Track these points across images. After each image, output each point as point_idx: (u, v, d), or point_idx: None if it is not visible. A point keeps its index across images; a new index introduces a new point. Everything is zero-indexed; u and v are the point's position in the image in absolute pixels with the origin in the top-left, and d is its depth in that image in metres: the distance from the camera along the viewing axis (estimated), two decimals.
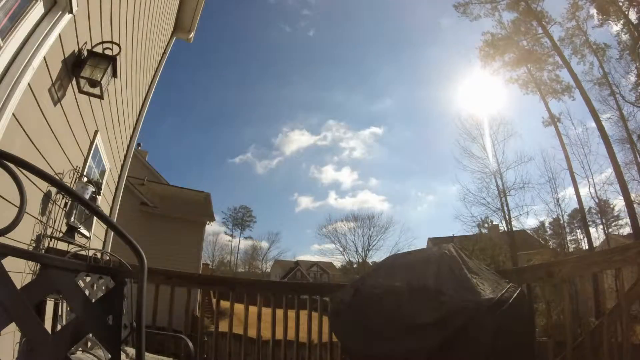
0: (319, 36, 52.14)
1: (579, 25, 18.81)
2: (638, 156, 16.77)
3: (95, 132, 3.20)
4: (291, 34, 51.90)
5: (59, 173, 2.50)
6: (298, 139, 56.93)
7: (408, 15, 42.24)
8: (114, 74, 2.63)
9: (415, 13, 40.53)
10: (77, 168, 2.85)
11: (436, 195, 49.97)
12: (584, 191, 18.26)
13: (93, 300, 1.25)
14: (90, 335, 1.75)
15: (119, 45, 2.69)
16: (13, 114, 1.69)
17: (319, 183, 57.86)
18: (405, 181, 55.16)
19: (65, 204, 2.74)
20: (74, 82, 2.43)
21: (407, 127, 53.44)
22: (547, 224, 21.77)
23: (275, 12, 51.19)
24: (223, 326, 3.48)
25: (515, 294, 2.21)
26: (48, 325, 2.30)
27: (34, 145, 1.98)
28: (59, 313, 2.38)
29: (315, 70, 55.31)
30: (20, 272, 1.98)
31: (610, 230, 20.20)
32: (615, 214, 20.06)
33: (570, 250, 20.31)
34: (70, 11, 1.99)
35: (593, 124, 17.35)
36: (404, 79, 50.99)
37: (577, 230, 22.31)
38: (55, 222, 2.61)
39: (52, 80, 2.10)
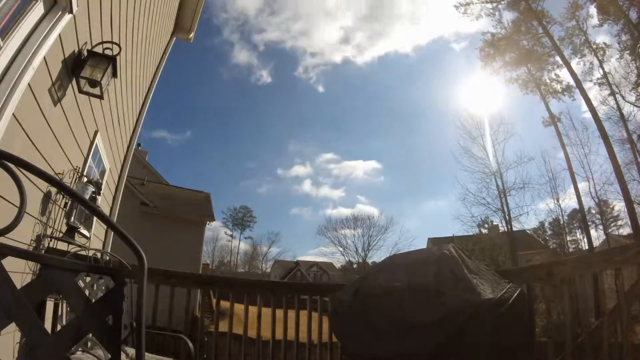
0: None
1: (579, 25, 18.80)
2: (638, 156, 16.75)
3: (95, 132, 3.20)
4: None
5: (59, 173, 2.50)
6: (297, 169, 58.68)
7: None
8: (114, 74, 2.63)
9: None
10: (77, 168, 2.85)
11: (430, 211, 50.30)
12: (584, 191, 18.27)
13: (93, 300, 1.25)
14: (90, 335, 1.75)
15: (119, 45, 2.69)
16: (13, 114, 1.69)
17: (317, 198, 58.47)
18: (402, 199, 55.38)
19: (65, 204, 2.74)
20: (74, 82, 2.43)
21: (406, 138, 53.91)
22: (547, 224, 21.80)
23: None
24: (223, 326, 3.47)
25: (515, 294, 2.21)
26: (48, 325, 2.30)
27: (34, 145, 1.98)
28: (59, 313, 2.38)
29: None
30: (20, 272, 1.98)
31: (610, 230, 20.19)
32: (615, 214, 20.07)
33: (570, 251, 20.31)
34: (70, 11, 1.99)
35: (593, 124, 17.36)
36: (401, 83, 51.39)
37: (577, 231, 22.30)
38: (55, 222, 2.61)
39: (52, 80, 2.10)
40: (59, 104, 2.26)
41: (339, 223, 36.83)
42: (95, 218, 3.52)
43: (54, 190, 2.44)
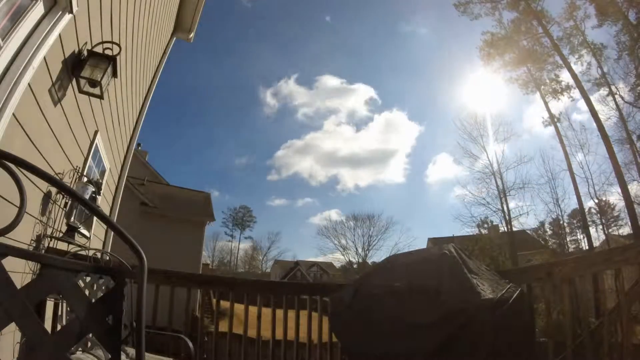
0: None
1: (577, 25, 18.81)
2: (638, 156, 16.77)
3: (95, 132, 3.20)
4: None
5: (59, 173, 2.50)
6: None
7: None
8: (114, 74, 2.63)
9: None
10: (77, 168, 2.85)
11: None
12: (583, 191, 18.28)
13: (93, 300, 1.25)
14: (90, 335, 1.75)
15: (119, 45, 2.69)
16: (13, 114, 1.69)
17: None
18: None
19: (65, 204, 2.74)
20: (74, 82, 2.43)
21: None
22: (547, 224, 21.81)
23: None
24: (223, 326, 3.47)
25: (515, 294, 2.21)
26: (48, 325, 2.30)
27: (34, 145, 1.98)
28: (59, 313, 2.38)
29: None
30: (20, 272, 1.98)
31: (610, 230, 20.20)
32: (615, 214, 20.09)
33: (570, 251, 20.33)
34: (71, 11, 1.99)
35: (593, 124, 17.38)
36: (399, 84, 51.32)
37: (577, 231, 22.34)
38: (55, 222, 2.61)
39: (52, 81, 2.10)
40: (59, 104, 2.26)
41: (338, 222, 36.92)
42: (95, 218, 3.52)
43: (54, 190, 2.44)
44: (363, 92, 52.70)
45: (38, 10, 1.83)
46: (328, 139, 53.29)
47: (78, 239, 3.13)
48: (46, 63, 1.94)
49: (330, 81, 52.33)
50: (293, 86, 53.67)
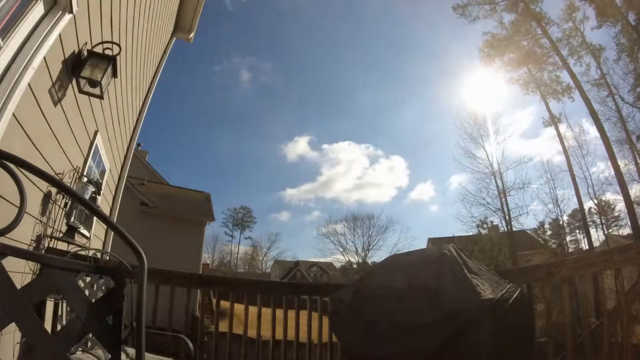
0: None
1: (576, 26, 18.81)
2: (637, 156, 16.78)
3: (95, 132, 3.20)
4: None
5: (59, 173, 2.50)
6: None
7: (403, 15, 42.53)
8: (114, 74, 2.63)
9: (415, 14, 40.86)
10: (77, 168, 2.85)
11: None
12: (583, 191, 18.30)
13: (93, 300, 1.25)
14: (90, 335, 1.75)
15: (119, 45, 2.69)
16: (13, 114, 1.69)
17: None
18: None
19: (65, 204, 2.74)
20: (74, 82, 2.43)
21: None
22: (546, 225, 21.80)
23: None
24: (223, 326, 3.47)
25: (515, 294, 2.21)
26: (48, 325, 2.30)
27: (34, 145, 1.98)
28: (59, 313, 2.37)
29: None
30: (20, 272, 1.98)
31: (610, 230, 20.21)
32: (615, 214, 20.10)
33: (570, 251, 20.34)
34: (71, 11, 1.99)
35: (593, 125, 17.40)
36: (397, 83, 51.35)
37: (577, 231, 22.36)
38: (55, 222, 2.60)
39: (52, 81, 2.10)
40: (59, 104, 2.26)
41: (338, 222, 36.96)
42: (95, 218, 3.52)
43: (54, 190, 2.44)
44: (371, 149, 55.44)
45: (38, 10, 1.83)
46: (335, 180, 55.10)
47: (78, 239, 3.13)
48: (46, 63, 1.94)
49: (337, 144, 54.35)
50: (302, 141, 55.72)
